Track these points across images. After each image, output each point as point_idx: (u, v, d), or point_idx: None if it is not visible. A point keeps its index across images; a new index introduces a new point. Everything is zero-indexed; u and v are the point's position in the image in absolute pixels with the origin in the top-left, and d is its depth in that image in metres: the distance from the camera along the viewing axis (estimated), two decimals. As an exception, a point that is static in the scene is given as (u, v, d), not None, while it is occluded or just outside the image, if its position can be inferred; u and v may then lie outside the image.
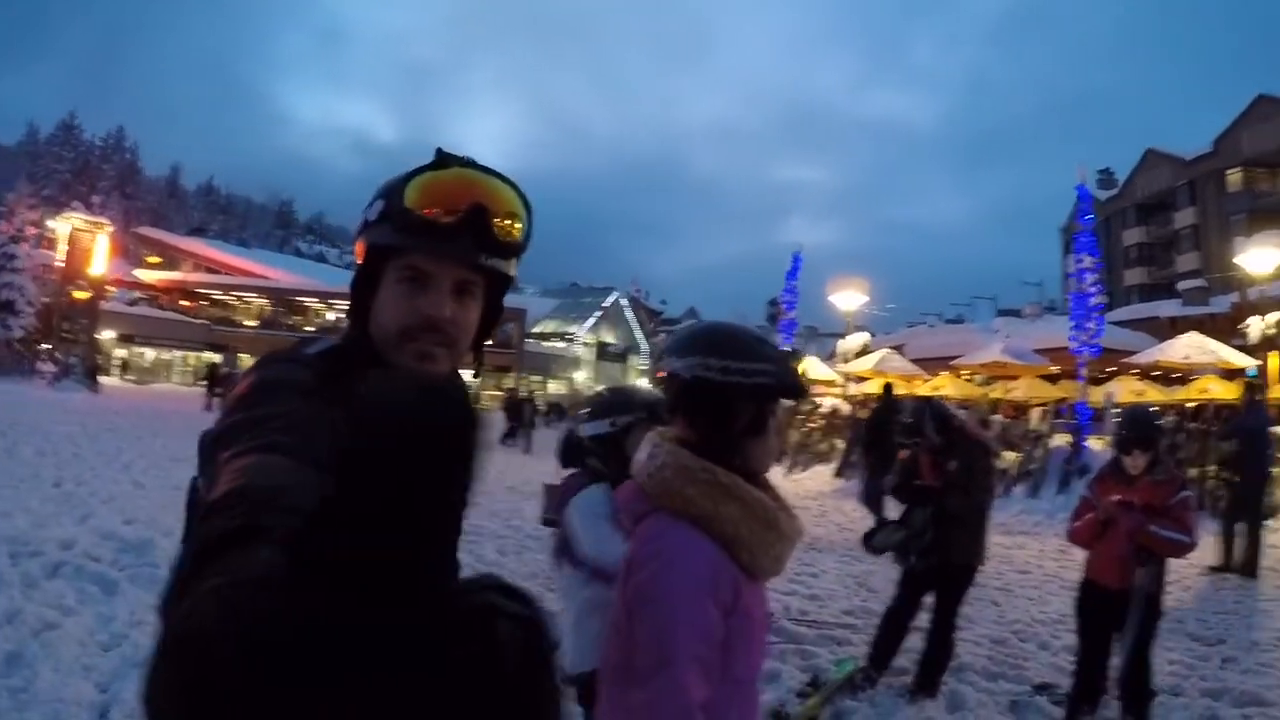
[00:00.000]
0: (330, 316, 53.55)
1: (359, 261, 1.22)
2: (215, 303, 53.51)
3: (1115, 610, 4.17)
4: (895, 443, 5.31)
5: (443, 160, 1.19)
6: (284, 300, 54.22)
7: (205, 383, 31.79)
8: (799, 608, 6.53)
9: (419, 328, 1.17)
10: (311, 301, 54.50)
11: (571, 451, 3.12)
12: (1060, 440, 16.20)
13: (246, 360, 28.84)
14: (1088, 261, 18.47)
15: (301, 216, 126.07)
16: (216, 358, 42.73)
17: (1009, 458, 14.62)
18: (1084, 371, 18.07)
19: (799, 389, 1.57)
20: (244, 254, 66.78)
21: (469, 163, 1.19)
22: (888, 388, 13.32)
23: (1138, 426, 4.26)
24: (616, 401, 2.93)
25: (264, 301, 54.10)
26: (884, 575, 6.59)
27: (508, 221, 1.19)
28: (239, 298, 54.02)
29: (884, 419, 10.39)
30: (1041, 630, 6.28)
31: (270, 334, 48.77)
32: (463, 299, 1.20)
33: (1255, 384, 12.95)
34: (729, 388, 1.47)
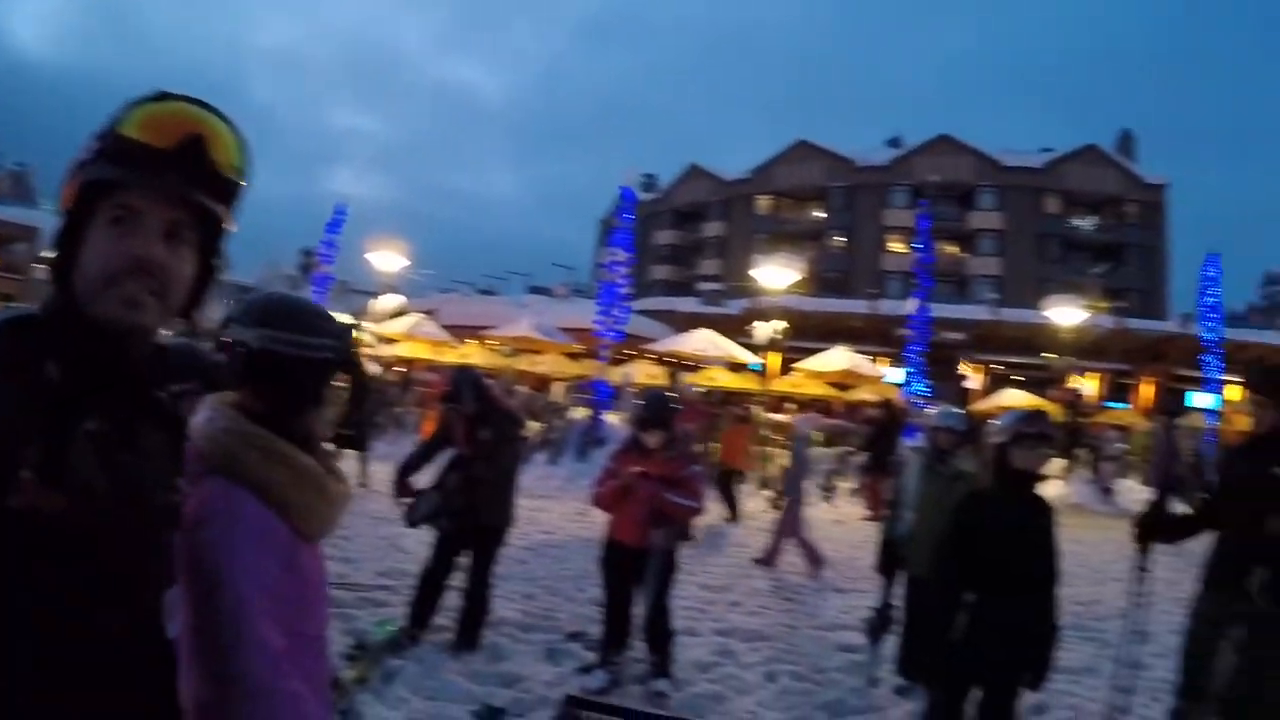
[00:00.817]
0: None
1: (67, 208, 1.16)
2: None
3: (636, 565, 4.57)
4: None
5: (164, 95, 1.18)
6: None
7: None
8: (336, 571, 6.05)
9: (126, 271, 1.13)
10: None
11: None
12: (580, 413, 17.37)
13: None
14: (621, 255, 20.03)
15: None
16: None
17: (533, 427, 15.26)
18: (606, 353, 19.59)
19: (356, 363, 1.67)
20: None
21: (192, 99, 1.19)
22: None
23: (656, 408, 4.70)
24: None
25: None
26: (415, 537, 6.34)
27: (225, 157, 1.18)
28: None
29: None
30: (568, 585, 6.59)
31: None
32: (174, 244, 1.16)
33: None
34: (295, 360, 1.52)
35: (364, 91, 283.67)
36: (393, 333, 22.91)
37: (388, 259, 23.68)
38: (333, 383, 1.61)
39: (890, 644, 4.88)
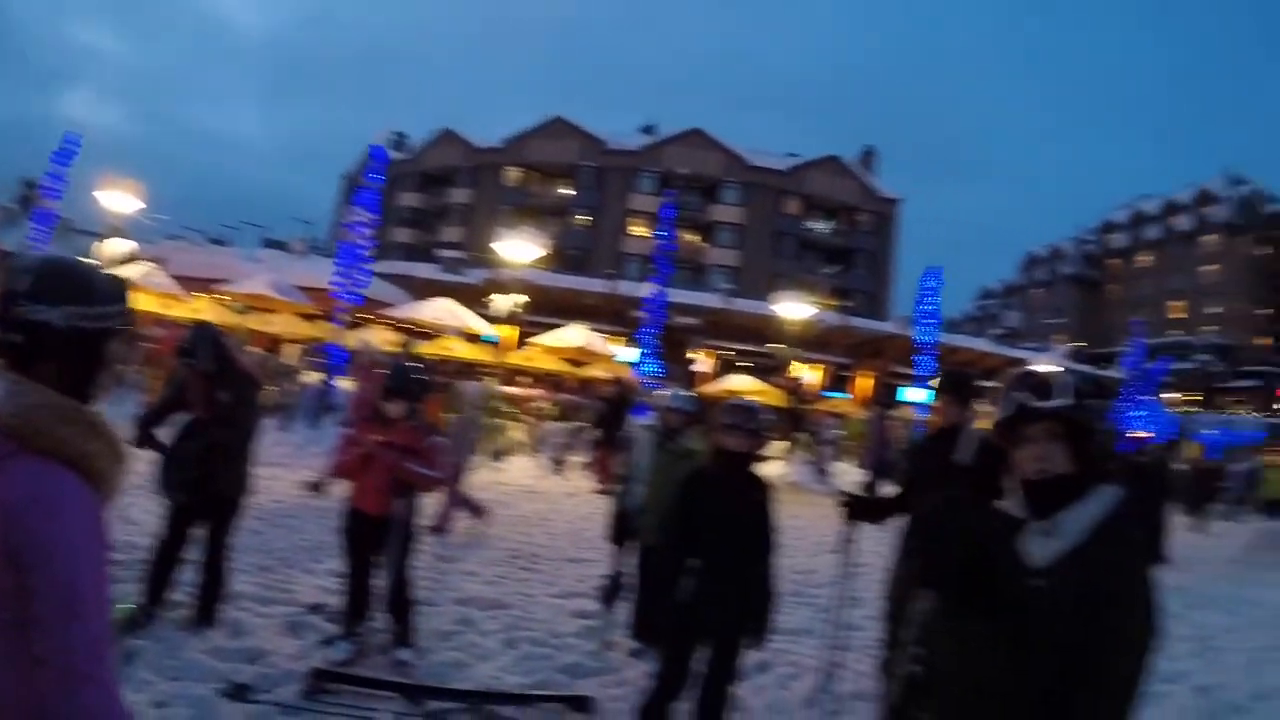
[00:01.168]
0: None
1: None
2: None
3: (378, 534, 4.63)
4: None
5: None
6: None
7: None
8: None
9: None
10: None
11: None
12: (313, 378, 16.65)
13: None
14: (365, 216, 19.29)
15: None
16: None
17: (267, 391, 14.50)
18: (343, 316, 18.86)
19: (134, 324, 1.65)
20: None
21: None
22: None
23: (400, 379, 4.77)
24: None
25: None
26: (141, 507, 5.96)
27: None
28: None
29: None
30: (304, 556, 6.50)
31: None
32: None
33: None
34: (99, 332, 1.49)
35: (112, 6, 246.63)
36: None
37: (119, 199, 21.05)
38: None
39: (623, 610, 5.27)
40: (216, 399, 4.67)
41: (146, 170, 23.54)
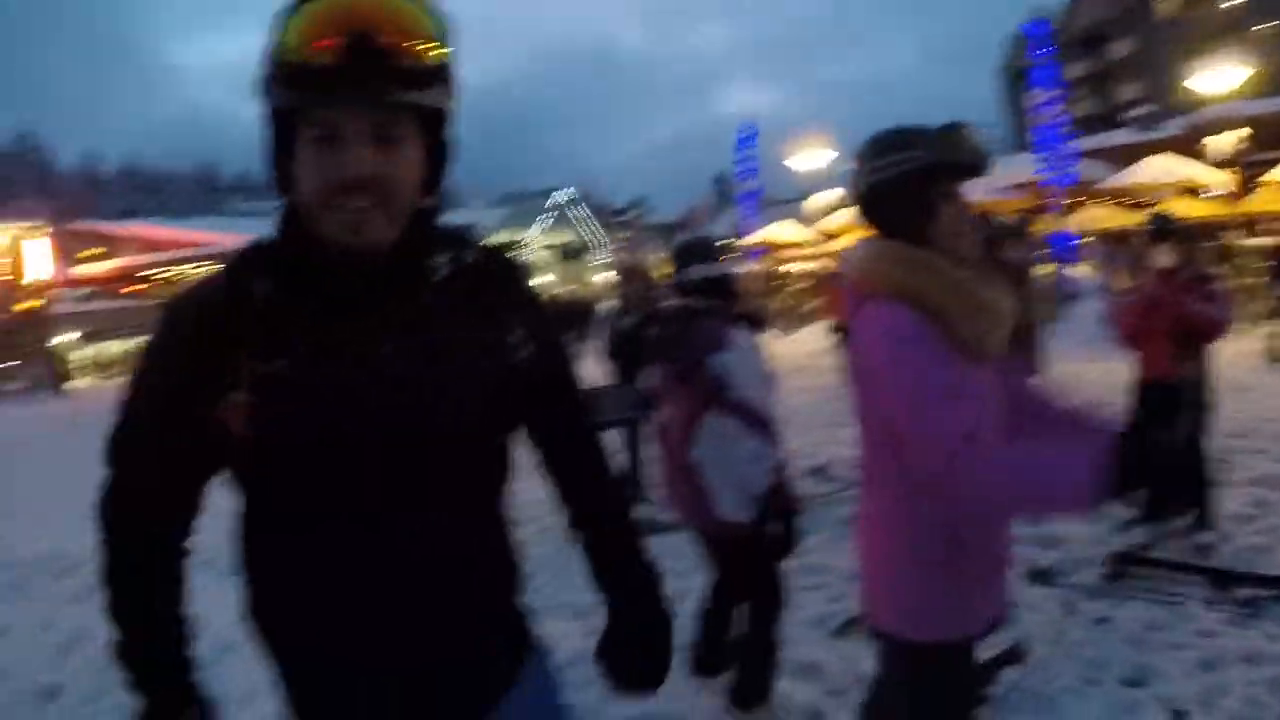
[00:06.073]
0: None
1: (267, 130, 1.10)
2: (167, 280, 52.25)
3: (1169, 405, 4.28)
4: None
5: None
6: (233, 263, 53.39)
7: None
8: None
9: (339, 191, 1.04)
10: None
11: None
12: (1045, 271, 16.28)
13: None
14: (1045, 96, 18.25)
15: (227, 175, 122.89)
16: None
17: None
18: (1058, 203, 18.09)
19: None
20: (181, 225, 64.91)
21: None
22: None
23: (1163, 222, 4.49)
24: (716, 250, 3.18)
25: (214, 267, 52.98)
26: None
27: (407, 43, 1.01)
28: (186, 271, 52.80)
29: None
30: None
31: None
32: (387, 146, 1.05)
33: None
34: (929, 167, 1.68)
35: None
36: (834, 227, 22.88)
37: (809, 158, 23.82)
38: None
39: None
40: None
41: (822, 127, 25.75)
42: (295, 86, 1.03)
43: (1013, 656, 3.05)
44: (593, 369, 6.70)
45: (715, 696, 3.06)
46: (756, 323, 3.09)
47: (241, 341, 1.07)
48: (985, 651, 2.99)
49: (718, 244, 3.30)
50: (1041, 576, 3.99)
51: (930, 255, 1.66)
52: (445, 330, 1.15)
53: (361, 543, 1.13)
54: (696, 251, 3.09)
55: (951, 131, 1.68)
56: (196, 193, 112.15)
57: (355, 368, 1.09)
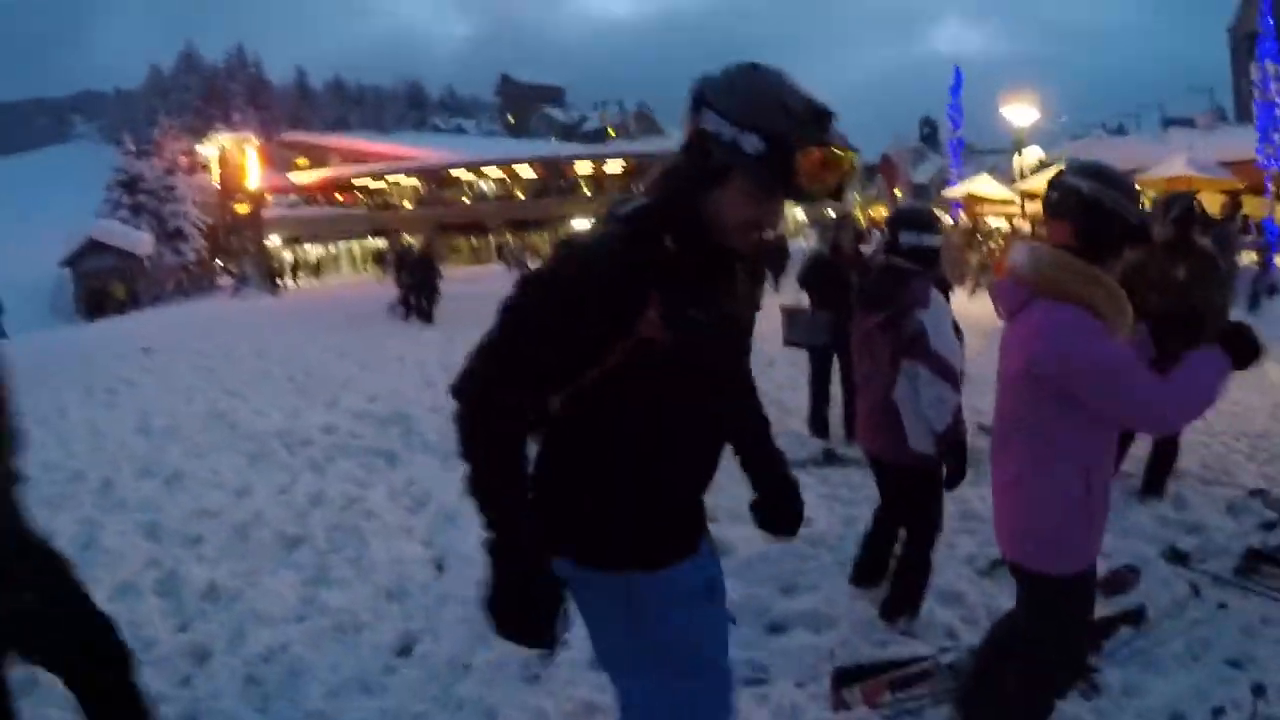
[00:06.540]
0: (482, 186, 55.99)
1: (703, 157, 1.58)
2: (370, 191, 55.79)
3: None
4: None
5: (821, 130, 1.56)
6: (435, 177, 56.25)
7: (383, 265, 36.68)
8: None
9: (754, 229, 1.65)
10: (461, 173, 56.42)
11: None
12: (1247, 258, 15.08)
13: (408, 239, 30.10)
14: (1272, 69, 16.62)
15: (432, 93, 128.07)
16: (382, 243, 45.24)
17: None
18: (1273, 186, 16.59)
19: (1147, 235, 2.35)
20: (386, 139, 68.67)
21: (844, 145, 1.58)
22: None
23: None
24: (932, 222, 3.54)
25: (415, 182, 56.12)
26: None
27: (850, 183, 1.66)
28: (391, 182, 56.14)
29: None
30: (1244, 442, 6.31)
31: (427, 211, 51.50)
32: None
33: None
34: (1126, 224, 2.12)
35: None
36: (1037, 188, 22.01)
37: (1019, 112, 22.71)
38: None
39: None
40: (1171, 274, 4.81)
41: (1028, 78, 24.30)
42: (782, 182, 1.56)
43: (1132, 618, 3.37)
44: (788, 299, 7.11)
45: (869, 605, 3.62)
46: (946, 288, 3.56)
47: (654, 278, 1.58)
48: (1109, 609, 3.33)
49: (929, 215, 3.62)
50: (1178, 557, 4.10)
51: (1092, 268, 2.10)
52: (744, 291, 1.85)
53: (698, 419, 1.74)
54: (909, 220, 3.54)
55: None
56: (401, 107, 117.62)
57: (719, 309, 1.71)
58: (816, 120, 1.54)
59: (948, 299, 3.54)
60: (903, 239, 3.48)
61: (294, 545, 4.74)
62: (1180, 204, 5.04)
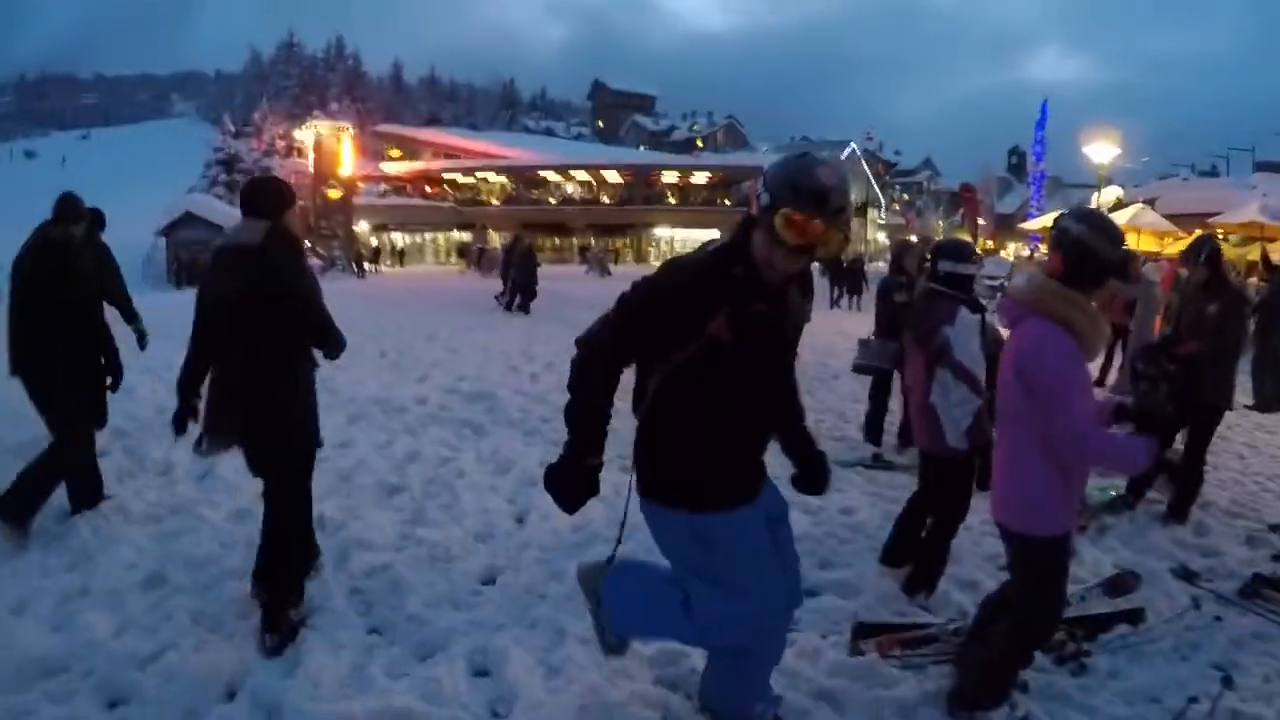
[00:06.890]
0: (568, 188, 57.36)
1: (754, 210, 2.26)
2: (459, 186, 57.36)
3: None
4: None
5: (811, 204, 2.18)
6: (523, 176, 57.84)
7: (466, 258, 39.93)
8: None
9: (792, 271, 2.31)
10: (549, 174, 57.94)
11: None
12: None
13: (494, 236, 31.01)
14: None
15: (524, 94, 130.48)
16: (467, 236, 46.53)
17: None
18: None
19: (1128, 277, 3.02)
20: (478, 137, 70.21)
21: (830, 219, 2.20)
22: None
23: None
24: (967, 253, 4.14)
25: (504, 179, 57.80)
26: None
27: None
28: (480, 179, 57.62)
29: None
30: (1278, 483, 6.50)
31: (513, 209, 52.95)
32: None
33: None
34: (1104, 261, 2.57)
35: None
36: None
37: (1100, 149, 22.77)
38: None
39: None
40: (1205, 311, 5.27)
41: (1119, 114, 23.98)
42: (772, 236, 2.21)
43: (1131, 617, 3.81)
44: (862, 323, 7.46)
45: (894, 581, 4.16)
46: (980, 309, 4.10)
47: (723, 295, 2.23)
48: (1108, 606, 3.76)
49: (967, 248, 4.22)
50: (1186, 575, 4.42)
51: (1073, 294, 2.59)
52: (793, 307, 2.44)
53: (749, 398, 2.38)
54: (947, 251, 4.15)
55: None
56: (494, 106, 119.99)
57: (771, 322, 2.34)
58: (812, 196, 2.15)
59: (983, 319, 4.10)
60: (941, 266, 4.07)
61: (393, 492, 5.39)
62: (1208, 246, 5.52)
